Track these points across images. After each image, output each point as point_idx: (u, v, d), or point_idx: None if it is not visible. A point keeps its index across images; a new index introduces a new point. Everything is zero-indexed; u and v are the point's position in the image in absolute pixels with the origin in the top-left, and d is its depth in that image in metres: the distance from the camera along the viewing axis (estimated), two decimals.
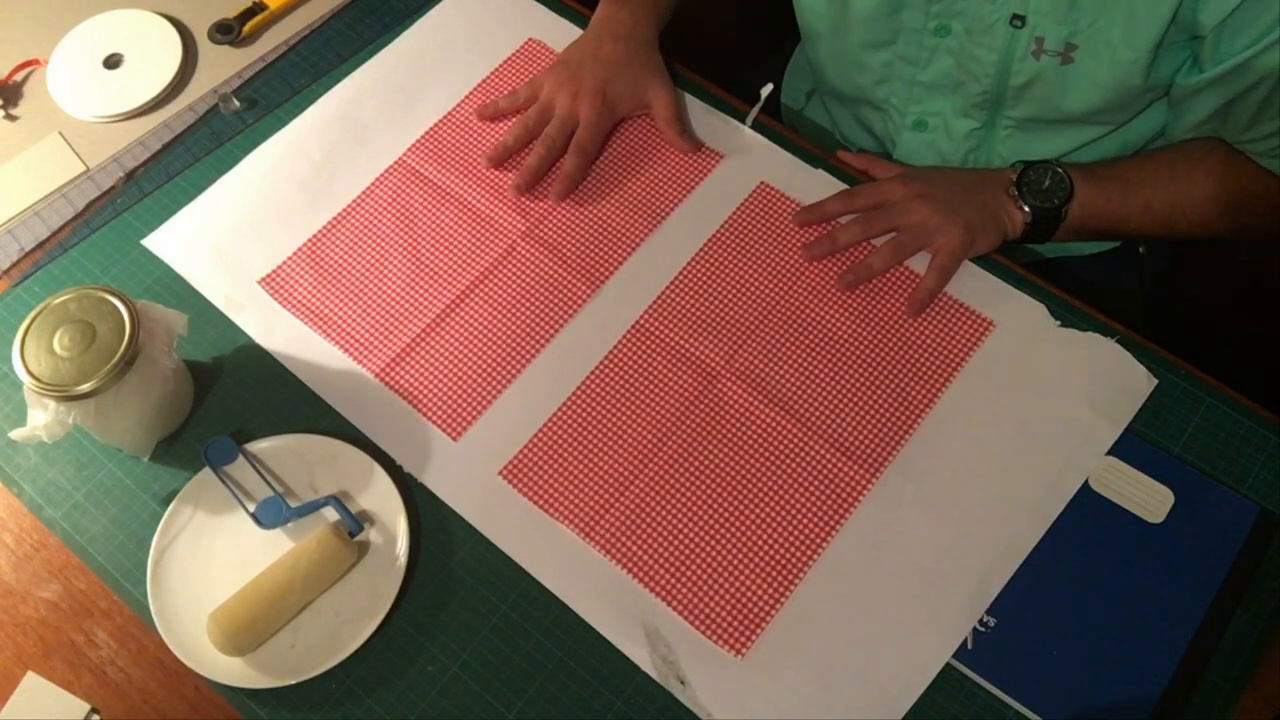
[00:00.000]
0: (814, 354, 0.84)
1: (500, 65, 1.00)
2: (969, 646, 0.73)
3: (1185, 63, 0.84)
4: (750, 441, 0.81)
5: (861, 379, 0.83)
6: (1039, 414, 0.81)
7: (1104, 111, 0.88)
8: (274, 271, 0.89)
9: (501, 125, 0.96)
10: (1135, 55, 0.81)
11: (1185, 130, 0.88)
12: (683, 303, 0.87)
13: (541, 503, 0.79)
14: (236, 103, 0.97)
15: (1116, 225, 0.89)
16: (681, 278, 0.88)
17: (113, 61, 1.00)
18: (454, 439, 0.81)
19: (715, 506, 0.78)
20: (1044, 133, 0.93)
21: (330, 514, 0.77)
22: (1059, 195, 0.87)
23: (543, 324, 0.86)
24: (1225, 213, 0.87)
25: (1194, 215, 0.88)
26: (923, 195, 0.86)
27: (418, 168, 0.94)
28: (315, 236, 0.91)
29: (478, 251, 0.90)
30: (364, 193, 0.93)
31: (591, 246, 0.89)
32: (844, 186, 0.91)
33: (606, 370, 0.84)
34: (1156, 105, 0.91)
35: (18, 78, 1.00)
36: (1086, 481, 0.78)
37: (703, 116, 0.96)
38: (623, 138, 0.95)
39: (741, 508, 0.78)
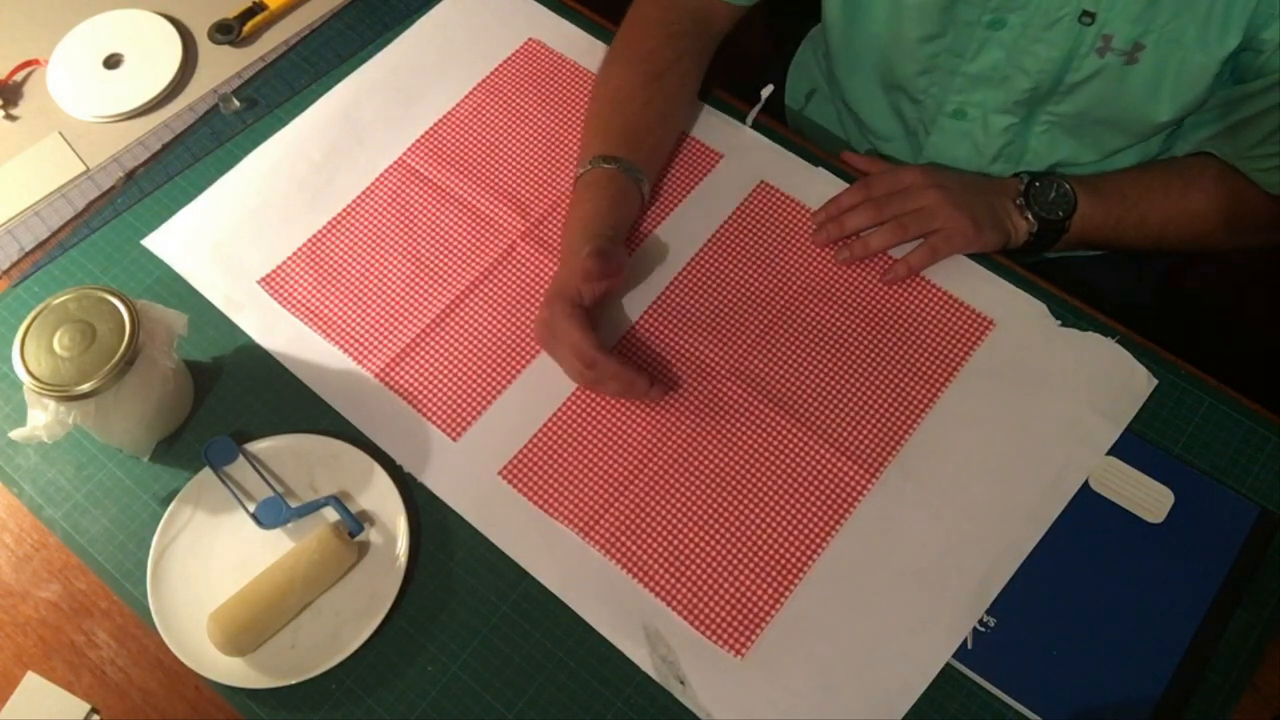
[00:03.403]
0: (814, 354, 0.84)
1: (500, 65, 1.00)
2: (969, 646, 0.73)
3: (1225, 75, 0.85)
4: (750, 441, 0.80)
5: (861, 379, 0.83)
6: (1039, 414, 0.81)
7: (1154, 118, 0.87)
8: (274, 271, 0.89)
9: (502, 127, 0.96)
10: (1207, 61, 0.81)
11: (1192, 141, 0.89)
12: (683, 303, 0.87)
13: (541, 503, 0.79)
14: (236, 103, 0.97)
15: (1112, 239, 0.91)
16: (681, 278, 0.88)
17: (113, 61, 1.00)
18: (454, 439, 0.81)
19: (715, 506, 0.78)
20: (1078, 135, 0.92)
21: (330, 514, 0.77)
22: (1063, 208, 0.88)
23: None
24: (1216, 228, 0.89)
25: (1186, 231, 0.90)
26: (937, 185, 0.87)
27: (418, 168, 0.94)
28: (315, 236, 0.91)
29: (478, 251, 0.90)
30: (364, 193, 0.93)
31: None
32: (844, 185, 0.91)
33: None
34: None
35: (18, 78, 1.00)
36: (1086, 481, 0.78)
37: (703, 116, 0.96)
38: None
39: (741, 508, 0.78)
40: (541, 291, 0.87)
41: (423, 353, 0.85)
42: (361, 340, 0.86)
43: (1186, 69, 0.82)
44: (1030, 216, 0.88)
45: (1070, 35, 0.83)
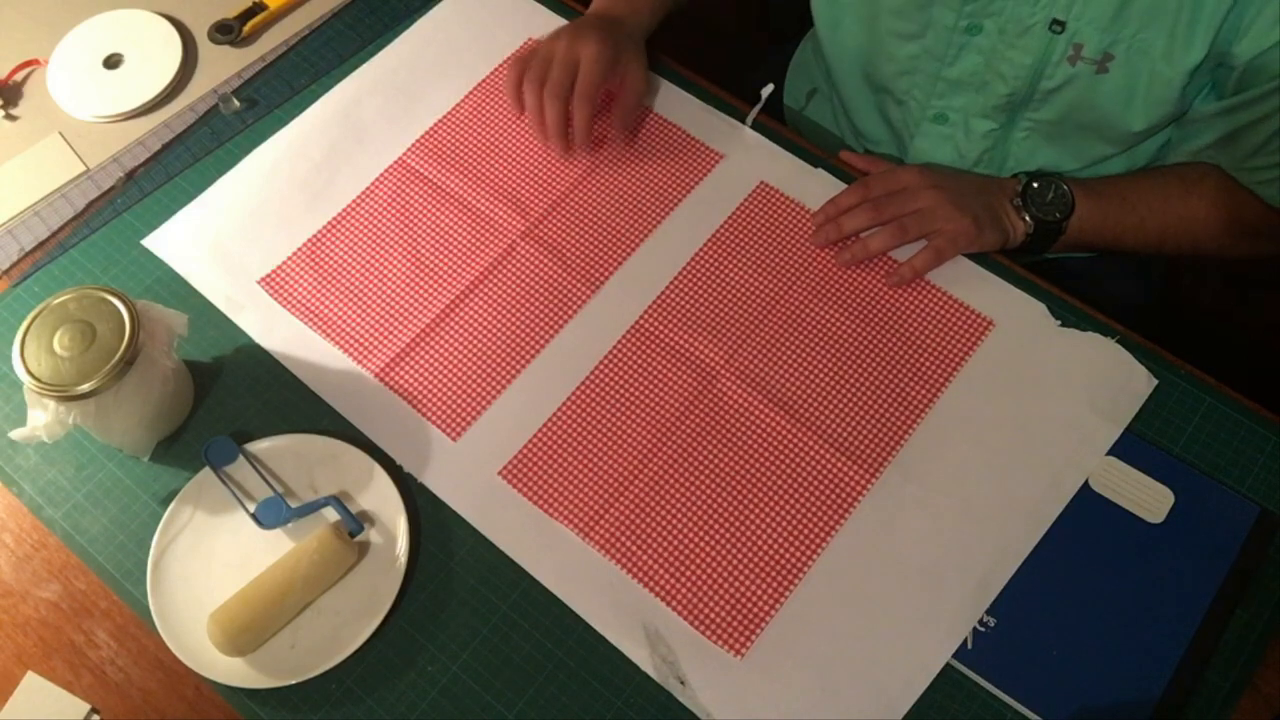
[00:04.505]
0: (814, 354, 0.84)
1: (500, 65, 1.00)
2: (969, 646, 0.73)
3: (1205, 88, 0.85)
4: (750, 441, 0.80)
5: (861, 379, 0.83)
6: (1039, 414, 0.81)
7: (1129, 127, 0.87)
8: (274, 271, 0.89)
9: (502, 127, 0.96)
10: (1173, 74, 0.81)
11: (1187, 153, 0.90)
12: (683, 303, 0.87)
13: (541, 503, 0.79)
14: (236, 103, 0.97)
15: (1110, 242, 0.91)
16: (681, 278, 0.88)
17: (113, 61, 1.00)
18: (454, 439, 0.81)
19: (715, 506, 0.78)
20: (1060, 141, 0.93)
21: (330, 514, 0.77)
22: (1060, 209, 0.88)
23: (543, 324, 0.86)
24: (1216, 235, 0.90)
25: (1185, 237, 0.90)
26: (936, 185, 0.87)
27: (418, 168, 0.94)
28: (315, 236, 0.91)
29: (478, 251, 0.90)
30: (364, 193, 0.93)
31: (591, 246, 0.89)
32: (844, 186, 0.91)
33: (606, 370, 0.84)
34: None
35: (18, 78, 1.00)
36: (1086, 481, 0.78)
37: (703, 116, 0.96)
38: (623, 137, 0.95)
39: (741, 508, 0.78)
40: (541, 291, 0.87)
41: (423, 353, 0.85)
42: (361, 340, 0.86)
43: (1156, 80, 0.82)
44: (1028, 218, 0.88)
45: (1042, 43, 0.84)
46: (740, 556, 0.76)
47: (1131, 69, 0.83)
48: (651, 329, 0.86)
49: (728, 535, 0.77)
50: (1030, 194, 0.88)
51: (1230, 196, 0.88)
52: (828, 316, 0.86)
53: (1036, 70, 0.86)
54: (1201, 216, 0.89)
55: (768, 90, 0.94)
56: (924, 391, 0.82)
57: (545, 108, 0.90)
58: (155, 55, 1.00)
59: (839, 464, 0.79)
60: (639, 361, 0.84)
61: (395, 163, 0.94)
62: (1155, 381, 0.82)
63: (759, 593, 0.75)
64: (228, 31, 1.01)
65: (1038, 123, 0.91)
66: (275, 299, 0.88)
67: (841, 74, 1.01)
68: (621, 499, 0.79)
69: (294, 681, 0.71)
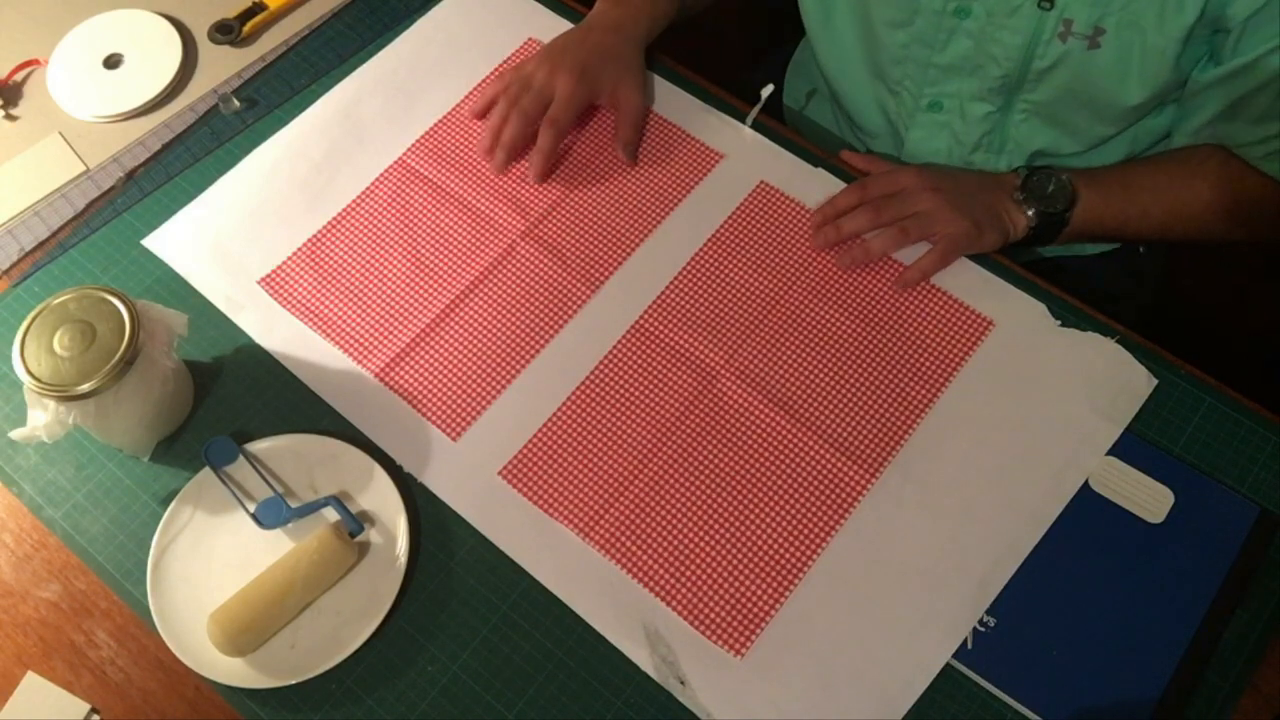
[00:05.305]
0: (814, 354, 0.84)
1: (500, 65, 1.00)
2: (969, 646, 0.73)
3: (1202, 58, 0.84)
4: (750, 441, 0.81)
5: (861, 379, 0.83)
6: (1039, 414, 0.81)
7: (1126, 102, 0.87)
8: (274, 271, 0.89)
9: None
10: (1165, 42, 0.81)
11: (1189, 131, 0.89)
12: (683, 303, 0.87)
13: (541, 503, 0.79)
14: (236, 103, 0.97)
15: (1116, 230, 0.91)
16: (681, 277, 0.88)
17: (113, 61, 1.00)
18: (454, 439, 0.81)
19: (715, 506, 0.78)
20: (1057, 123, 0.93)
21: (330, 514, 0.77)
22: (1062, 201, 0.88)
23: (543, 324, 0.86)
24: (1221, 218, 0.89)
25: (1191, 221, 0.89)
26: (934, 187, 0.87)
27: (418, 168, 0.94)
28: (315, 236, 0.91)
29: (477, 251, 0.90)
30: (364, 193, 0.93)
31: (591, 246, 0.90)
32: (844, 186, 0.91)
33: (606, 370, 0.84)
34: (1164, 105, 0.92)
35: (18, 78, 1.00)
36: (1086, 481, 0.78)
37: (703, 116, 0.96)
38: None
39: (741, 508, 0.78)
40: (541, 291, 0.87)
41: (423, 353, 0.85)
42: (361, 340, 0.86)
43: (1149, 51, 0.82)
44: (1030, 212, 0.88)
45: (1031, 21, 0.84)
46: (740, 556, 0.76)
47: (1123, 42, 0.82)
48: (651, 329, 0.86)
49: (728, 535, 0.77)
50: (1031, 187, 0.88)
51: (1235, 178, 0.87)
52: (828, 316, 0.86)
53: (1028, 50, 0.86)
54: (1206, 200, 0.88)
55: (768, 90, 0.94)
56: (924, 391, 0.82)
57: (508, 123, 0.91)
58: (155, 55, 1.00)
59: (839, 464, 0.79)
60: (639, 361, 0.84)
61: (395, 163, 0.94)
62: (1155, 381, 0.82)
63: (759, 593, 0.75)
64: (228, 31, 1.01)
65: (1034, 104, 0.91)
66: (275, 299, 0.88)
67: (837, 68, 1.01)
68: (621, 499, 0.79)
69: (294, 681, 0.71)
